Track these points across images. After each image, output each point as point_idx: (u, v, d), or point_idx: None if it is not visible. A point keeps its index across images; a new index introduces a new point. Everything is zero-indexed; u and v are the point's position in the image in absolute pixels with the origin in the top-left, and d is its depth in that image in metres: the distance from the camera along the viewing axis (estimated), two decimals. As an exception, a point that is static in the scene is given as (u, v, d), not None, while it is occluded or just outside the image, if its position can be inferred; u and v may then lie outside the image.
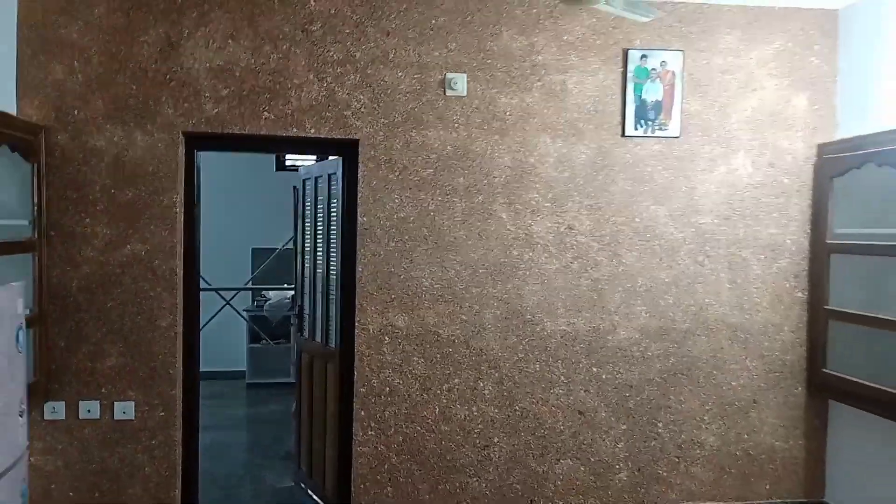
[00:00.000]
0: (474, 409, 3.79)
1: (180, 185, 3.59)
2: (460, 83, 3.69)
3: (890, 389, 3.30)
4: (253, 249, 7.29)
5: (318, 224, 4.32)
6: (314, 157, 5.35)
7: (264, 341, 7.05)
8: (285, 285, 7.30)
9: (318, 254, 4.31)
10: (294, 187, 7.69)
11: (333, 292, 4.02)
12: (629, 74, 3.80)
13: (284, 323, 7.13)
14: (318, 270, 4.29)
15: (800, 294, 3.97)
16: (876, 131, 3.49)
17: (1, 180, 3.03)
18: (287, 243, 7.47)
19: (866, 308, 3.52)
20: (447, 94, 3.69)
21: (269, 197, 7.38)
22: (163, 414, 3.56)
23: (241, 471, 4.85)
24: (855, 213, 3.69)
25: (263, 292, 7.23)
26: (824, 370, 3.84)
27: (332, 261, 4.05)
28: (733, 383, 3.96)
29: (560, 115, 3.78)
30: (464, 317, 3.75)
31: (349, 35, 3.63)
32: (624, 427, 3.90)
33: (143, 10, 3.50)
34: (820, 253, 3.88)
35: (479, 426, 3.79)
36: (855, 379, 3.58)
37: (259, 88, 3.58)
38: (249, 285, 7.20)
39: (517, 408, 3.82)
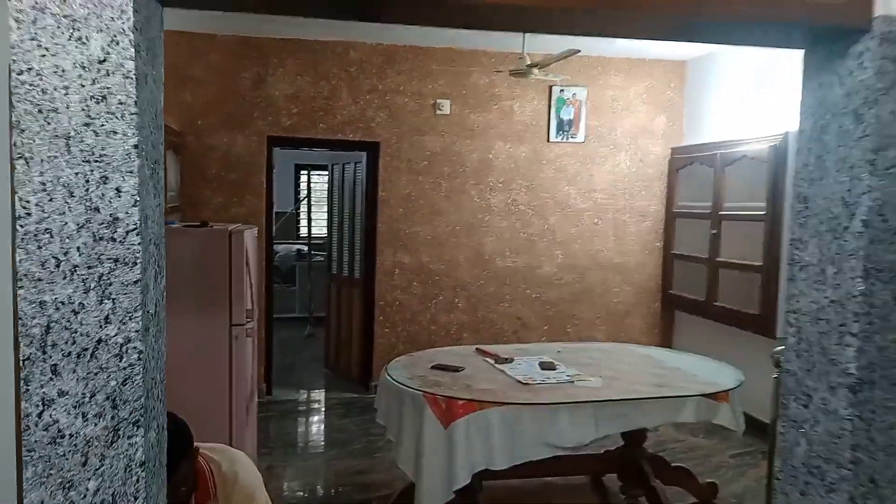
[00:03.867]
0: (452, 316, 5.91)
1: (264, 171, 5.53)
2: (446, 106, 5.71)
3: (699, 299, 5.58)
4: (263, 212, 9.15)
5: (346, 196, 6.31)
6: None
7: (277, 283, 8.97)
8: (291, 240, 9.23)
9: (346, 216, 6.32)
10: (295, 164, 9.60)
11: (359, 242, 6.04)
12: (552, 102, 5.90)
13: (291, 270, 9.08)
14: (346, 226, 6.30)
15: (658, 244, 6.21)
16: (699, 142, 5.73)
17: (172, 171, 4.93)
18: (292, 209, 9.39)
19: (692, 252, 5.76)
20: (437, 113, 5.71)
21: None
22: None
23: (284, 366, 6.85)
24: (688, 193, 5.92)
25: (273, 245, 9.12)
26: (670, 291, 6.11)
27: (358, 220, 6.06)
28: (615, 301, 6.19)
29: (510, 127, 5.86)
30: (446, 257, 5.85)
31: (375, 74, 5.60)
32: (546, 328, 6.09)
33: (242, 56, 5.39)
34: (670, 217, 6.12)
35: (455, 326, 5.92)
36: (686, 295, 5.85)
37: (317, 108, 5.53)
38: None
39: (479, 315, 5.95)
